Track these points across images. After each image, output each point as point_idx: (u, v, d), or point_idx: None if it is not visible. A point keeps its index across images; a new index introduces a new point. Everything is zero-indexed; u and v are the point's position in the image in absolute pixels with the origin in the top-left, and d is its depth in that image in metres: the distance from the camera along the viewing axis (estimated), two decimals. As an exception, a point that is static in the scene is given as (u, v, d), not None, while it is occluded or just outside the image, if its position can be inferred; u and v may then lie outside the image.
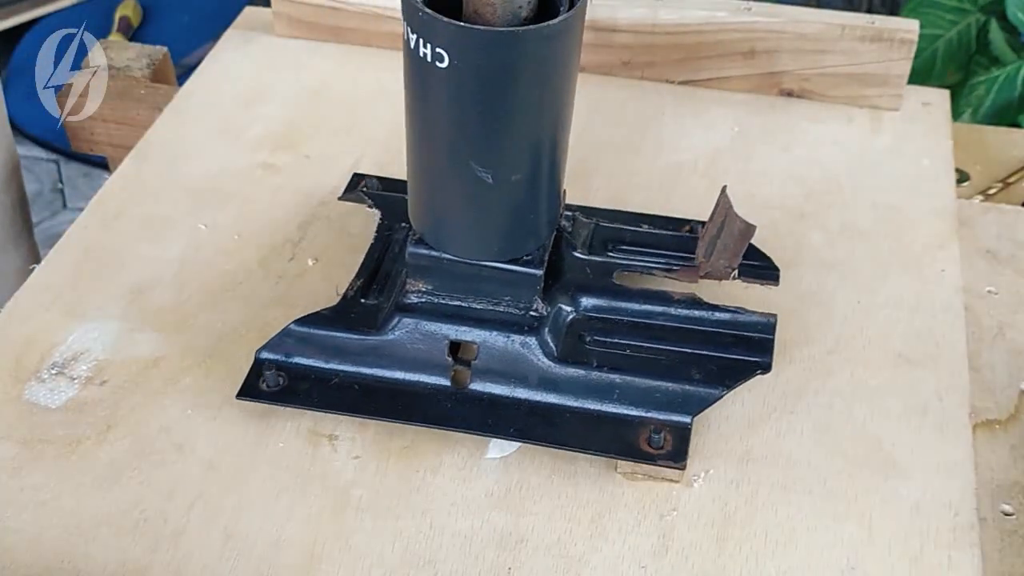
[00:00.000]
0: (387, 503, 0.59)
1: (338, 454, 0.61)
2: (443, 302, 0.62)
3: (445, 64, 0.52)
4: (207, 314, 0.69)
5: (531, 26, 0.52)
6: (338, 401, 0.62)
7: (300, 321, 0.63)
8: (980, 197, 0.81)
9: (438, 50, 0.52)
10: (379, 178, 0.74)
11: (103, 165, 0.94)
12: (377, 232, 0.69)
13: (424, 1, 0.53)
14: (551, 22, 0.52)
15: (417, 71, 0.55)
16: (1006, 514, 0.61)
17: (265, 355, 0.63)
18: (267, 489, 0.60)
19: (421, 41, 0.53)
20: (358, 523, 0.58)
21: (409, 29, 0.53)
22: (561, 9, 0.54)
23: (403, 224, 0.62)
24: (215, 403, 0.63)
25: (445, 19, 0.51)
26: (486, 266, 0.61)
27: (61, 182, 1.96)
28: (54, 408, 0.63)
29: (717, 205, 0.61)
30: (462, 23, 0.52)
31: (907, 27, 0.81)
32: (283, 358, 0.63)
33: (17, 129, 1.99)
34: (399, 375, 0.63)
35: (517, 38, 0.52)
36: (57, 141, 1.95)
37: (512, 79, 0.53)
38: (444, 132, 0.56)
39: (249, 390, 0.62)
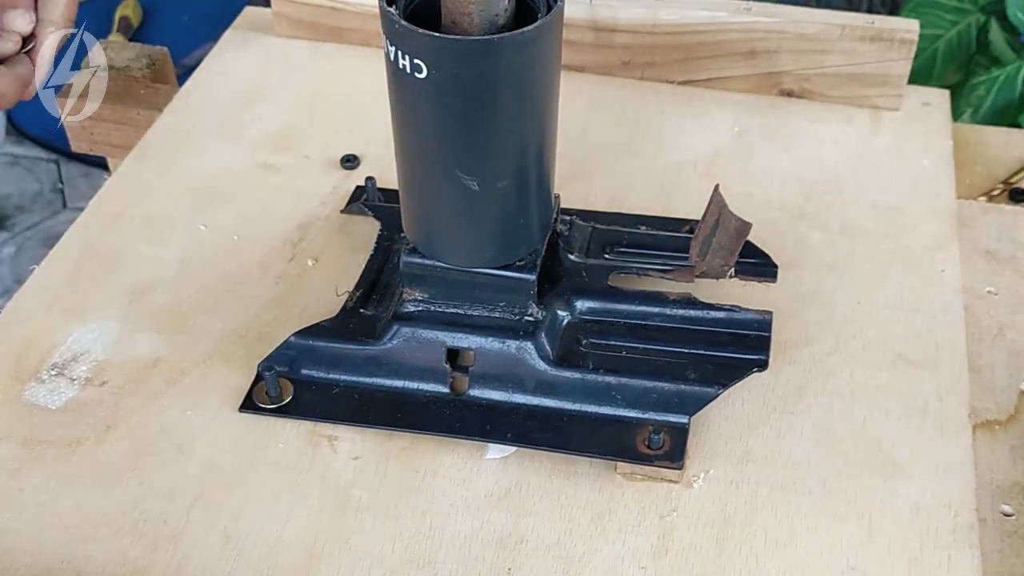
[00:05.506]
0: (387, 503, 0.59)
1: (338, 455, 0.61)
2: (439, 310, 0.62)
3: (424, 75, 0.53)
4: (207, 315, 0.69)
5: (506, 33, 0.52)
6: (339, 411, 0.62)
7: (300, 333, 0.64)
8: (981, 197, 0.81)
9: (416, 61, 0.52)
10: (381, 189, 0.74)
11: (103, 165, 0.94)
12: (377, 243, 0.70)
13: (406, 14, 0.54)
14: (526, 29, 0.52)
15: (398, 83, 0.55)
16: (1006, 514, 0.60)
17: (266, 367, 0.63)
18: (267, 489, 0.60)
19: (400, 53, 0.53)
20: (358, 523, 0.58)
21: (388, 42, 0.54)
22: (539, 15, 0.54)
23: (402, 234, 0.62)
24: (215, 403, 0.63)
25: (421, 30, 0.52)
26: (479, 273, 0.61)
27: (61, 182, 1.95)
28: (54, 409, 0.63)
29: (710, 204, 0.61)
30: (437, 34, 0.52)
31: (907, 27, 0.81)
32: (284, 370, 0.64)
33: (17, 129, 1.99)
34: (399, 383, 0.63)
35: (493, 46, 0.52)
36: (57, 141, 1.94)
37: (490, 87, 0.53)
38: (428, 142, 0.56)
39: (251, 403, 0.63)
